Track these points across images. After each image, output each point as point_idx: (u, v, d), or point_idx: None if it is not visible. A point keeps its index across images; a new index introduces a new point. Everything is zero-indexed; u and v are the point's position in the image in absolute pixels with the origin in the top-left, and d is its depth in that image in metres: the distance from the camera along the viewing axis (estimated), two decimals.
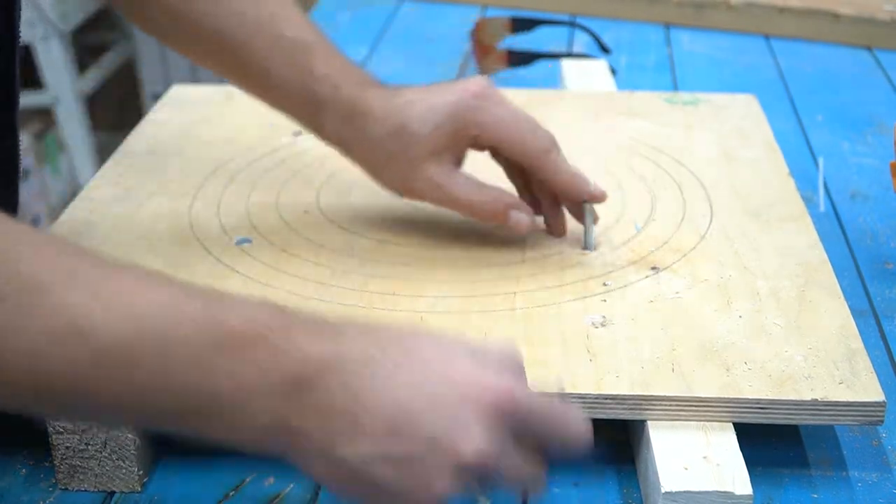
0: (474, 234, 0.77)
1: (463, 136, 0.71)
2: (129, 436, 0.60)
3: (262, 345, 0.48)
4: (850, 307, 0.69)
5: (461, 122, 0.71)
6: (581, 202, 0.74)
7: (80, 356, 0.46)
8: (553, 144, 0.72)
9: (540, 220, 0.76)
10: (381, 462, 0.49)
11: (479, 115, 0.71)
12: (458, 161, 0.73)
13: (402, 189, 0.74)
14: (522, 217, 0.73)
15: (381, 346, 0.50)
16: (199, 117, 0.95)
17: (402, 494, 0.49)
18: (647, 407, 0.61)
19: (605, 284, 0.71)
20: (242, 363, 0.47)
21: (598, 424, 0.65)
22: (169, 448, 0.64)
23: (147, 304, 0.47)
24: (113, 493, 0.62)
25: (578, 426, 0.53)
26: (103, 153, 2.27)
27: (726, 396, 0.61)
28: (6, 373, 0.46)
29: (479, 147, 0.73)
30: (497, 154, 0.74)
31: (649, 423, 0.61)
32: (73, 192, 2.21)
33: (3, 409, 0.49)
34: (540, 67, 1.21)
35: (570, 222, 0.76)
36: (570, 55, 1.21)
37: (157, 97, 1.08)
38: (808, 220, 0.79)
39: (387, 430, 0.49)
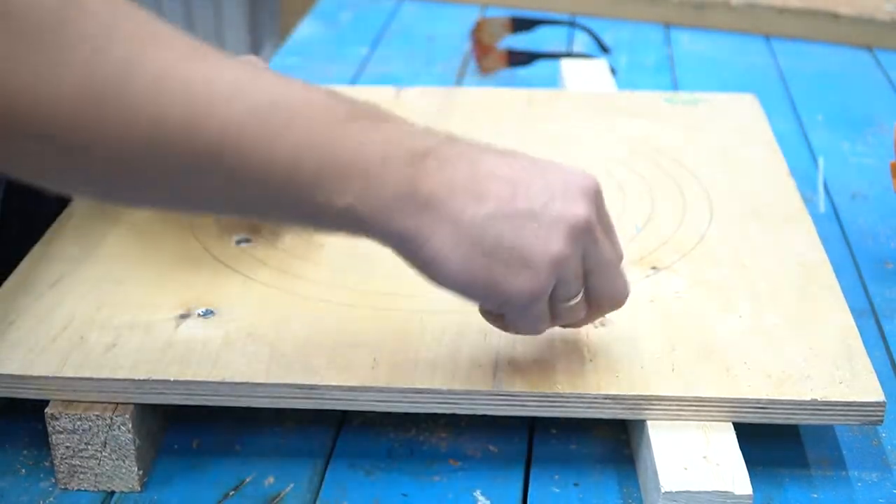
0: None
1: None
2: (129, 435, 0.60)
3: (388, 122, 0.54)
4: (850, 307, 0.69)
5: None
6: None
7: (235, 114, 0.50)
8: None
9: None
10: (503, 220, 0.54)
11: None
12: None
13: None
14: None
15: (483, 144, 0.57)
16: None
17: (523, 254, 0.54)
18: (646, 407, 0.61)
19: None
20: (374, 132, 0.53)
21: (598, 424, 0.65)
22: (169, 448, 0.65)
23: (282, 76, 0.53)
24: (113, 493, 0.62)
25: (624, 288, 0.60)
26: None
27: (726, 396, 0.61)
28: (167, 135, 0.49)
29: None
30: None
31: (649, 423, 0.61)
32: None
33: (149, 194, 0.53)
34: (540, 67, 1.21)
35: None
36: (570, 55, 1.21)
37: None
38: (808, 220, 0.79)
39: (507, 191, 0.54)
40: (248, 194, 0.53)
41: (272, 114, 0.51)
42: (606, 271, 0.58)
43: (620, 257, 0.59)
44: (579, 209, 0.55)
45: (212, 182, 0.52)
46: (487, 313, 0.59)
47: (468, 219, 0.53)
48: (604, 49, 1.26)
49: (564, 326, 0.61)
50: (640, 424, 0.62)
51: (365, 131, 0.53)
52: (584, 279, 0.57)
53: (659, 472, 0.57)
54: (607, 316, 0.67)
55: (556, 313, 0.58)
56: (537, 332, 0.59)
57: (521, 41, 1.25)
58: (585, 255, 0.56)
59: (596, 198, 0.57)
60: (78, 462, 0.61)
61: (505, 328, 0.59)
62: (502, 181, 0.54)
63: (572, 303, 0.57)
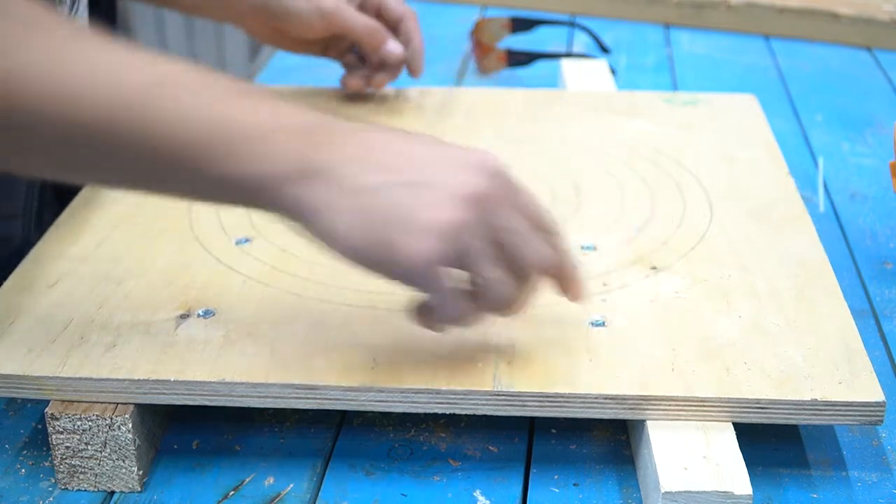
0: None
1: None
2: (129, 436, 0.60)
3: (276, 100, 0.56)
4: (849, 307, 0.69)
5: None
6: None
7: (119, 91, 0.53)
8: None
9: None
10: (397, 188, 0.55)
11: None
12: None
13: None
14: (397, 47, 0.98)
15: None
16: None
17: (416, 220, 0.54)
18: (646, 407, 0.61)
19: (604, 284, 0.71)
20: (263, 106, 0.55)
21: (598, 424, 0.65)
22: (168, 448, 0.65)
23: (166, 57, 0.56)
24: (113, 493, 0.62)
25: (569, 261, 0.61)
26: None
27: (726, 396, 0.61)
28: (52, 108, 0.53)
29: None
30: None
31: (649, 423, 0.61)
32: None
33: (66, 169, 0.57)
34: (540, 67, 1.21)
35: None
36: (569, 55, 1.21)
37: None
38: (808, 220, 0.79)
39: (400, 161, 0.56)
40: (141, 167, 0.55)
41: (158, 90, 0.54)
42: (520, 240, 0.57)
43: (543, 227, 0.59)
44: (474, 180, 0.55)
45: (98, 153, 0.54)
46: (416, 311, 0.59)
47: (361, 187, 0.54)
48: (604, 49, 1.26)
49: (504, 314, 0.59)
50: (640, 424, 0.62)
51: (254, 105, 0.55)
52: (500, 250, 0.57)
53: (659, 472, 0.57)
54: (607, 315, 0.67)
55: (479, 293, 0.57)
56: (463, 317, 0.58)
57: (521, 41, 1.25)
58: (492, 226, 0.56)
59: (496, 172, 0.57)
60: (78, 462, 0.61)
61: (431, 322, 0.59)
62: (396, 153, 0.56)
63: (489, 276, 0.56)
